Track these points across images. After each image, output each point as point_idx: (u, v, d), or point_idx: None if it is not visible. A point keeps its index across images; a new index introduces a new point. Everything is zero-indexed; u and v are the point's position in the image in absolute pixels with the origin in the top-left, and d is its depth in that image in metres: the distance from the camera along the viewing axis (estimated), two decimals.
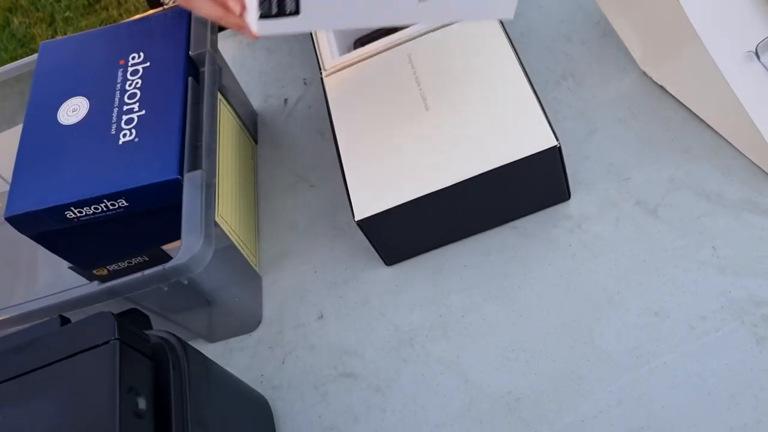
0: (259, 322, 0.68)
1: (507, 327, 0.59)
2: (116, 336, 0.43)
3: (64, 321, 0.47)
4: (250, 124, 0.80)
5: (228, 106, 0.73)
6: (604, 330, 0.57)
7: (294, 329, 0.66)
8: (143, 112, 0.63)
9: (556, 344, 0.57)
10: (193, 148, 0.60)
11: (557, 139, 0.56)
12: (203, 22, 0.68)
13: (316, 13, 0.44)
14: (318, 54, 0.70)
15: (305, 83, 0.84)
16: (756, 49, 0.55)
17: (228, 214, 0.65)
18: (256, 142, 0.81)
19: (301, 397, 0.62)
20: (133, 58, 0.67)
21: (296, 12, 0.43)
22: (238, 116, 0.76)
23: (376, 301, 0.65)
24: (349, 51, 0.71)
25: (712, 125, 0.62)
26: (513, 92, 0.60)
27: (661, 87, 0.66)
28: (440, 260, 0.65)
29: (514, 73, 0.61)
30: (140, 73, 0.66)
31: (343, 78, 0.68)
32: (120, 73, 0.66)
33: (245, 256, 0.68)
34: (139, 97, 0.64)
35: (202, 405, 0.48)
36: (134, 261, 0.69)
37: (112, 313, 0.44)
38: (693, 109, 0.63)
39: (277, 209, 0.75)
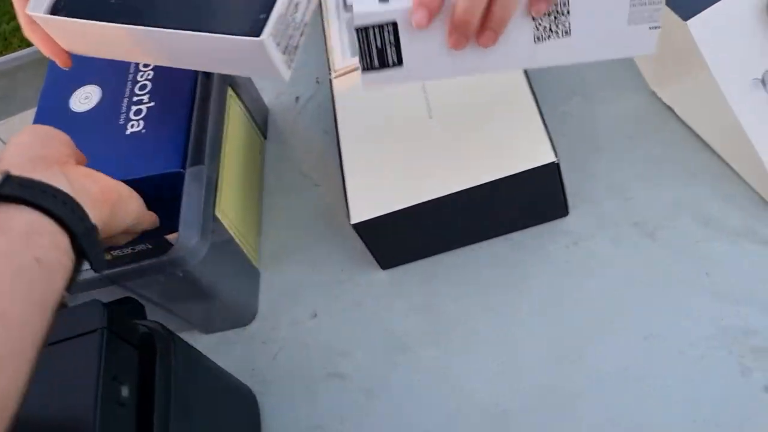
0: (254, 316, 0.69)
1: (498, 339, 0.59)
2: (104, 325, 0.44)
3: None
4: (261, 119, 0.81)
5: (239, 101, 0.74)
6: (595, 349, 0.56)
7: (288, 326, 0.67)
8: (152, 103, 0.63)
9: (546, 360, 0.57)
10: (198, 142, 0.61)
11: (557, 156, 0.56)
12: None
13: (420, 63, 0.42)
14: (329, 55, 0.71)
15: (318, 82, 0.84)
16: (763, 77, 0.54)
17: (230, 208, 0.66)
18: (265, 137, 0.82)
19: (290, 393, 0.63)
20: None
21: (398, 63, 0.41)
22: (249, 112, 0.77)
23: (371, 304, 0.65)
24: None
25: (716, 151, 0.61)
26: (517, 105, 0.60)
27: (670, 108, 0.65)
28: (436, 268, 0.65)
29: (520, 87, 0.61)
30: (153, 65, 0.66)
31: (352, 80, 0.68)
32: (133, 64, 0.67)
33: (244, 250, 0.68)
34: (150, 89, 0.65)
35: (186, 395, 0.49)
36: (137, 248, 0.70)
37: (102, 302, 0.45)
38: (699, 133, 0.62)
39: (280, 206, 0.76)
